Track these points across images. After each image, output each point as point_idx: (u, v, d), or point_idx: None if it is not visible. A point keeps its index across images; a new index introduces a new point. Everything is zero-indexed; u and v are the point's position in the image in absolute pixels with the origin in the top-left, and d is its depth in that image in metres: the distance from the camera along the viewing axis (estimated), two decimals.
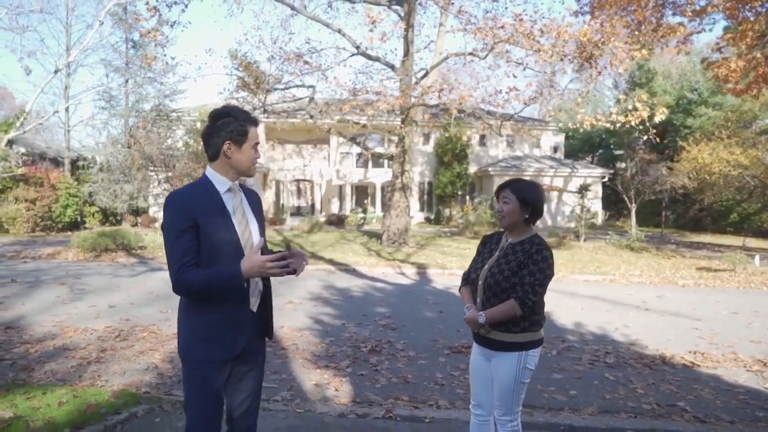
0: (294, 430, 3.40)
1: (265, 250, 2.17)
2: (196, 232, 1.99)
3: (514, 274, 2.37)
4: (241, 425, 2.20)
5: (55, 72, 22.07)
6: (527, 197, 2.43)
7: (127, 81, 24.80)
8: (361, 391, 4.31)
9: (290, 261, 2.02)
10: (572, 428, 3.66)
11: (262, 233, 2.24)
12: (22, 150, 23.79)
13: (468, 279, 2.64)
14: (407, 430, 3.49)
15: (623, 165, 21.81)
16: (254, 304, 2.14)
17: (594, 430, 3.65)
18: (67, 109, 25.41)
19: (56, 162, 26.29)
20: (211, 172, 2.13)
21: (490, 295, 2.43)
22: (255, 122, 2.14)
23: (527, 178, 20.45)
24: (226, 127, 2.06)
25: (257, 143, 2.15)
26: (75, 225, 21.71)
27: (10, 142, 21.67)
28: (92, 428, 3.15)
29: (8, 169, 20.73)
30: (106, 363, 4.86)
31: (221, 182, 2.11)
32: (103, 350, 5.23)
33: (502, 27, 11.64)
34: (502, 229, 2.61)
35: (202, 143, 2.20)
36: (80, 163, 24.39)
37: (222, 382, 2.08)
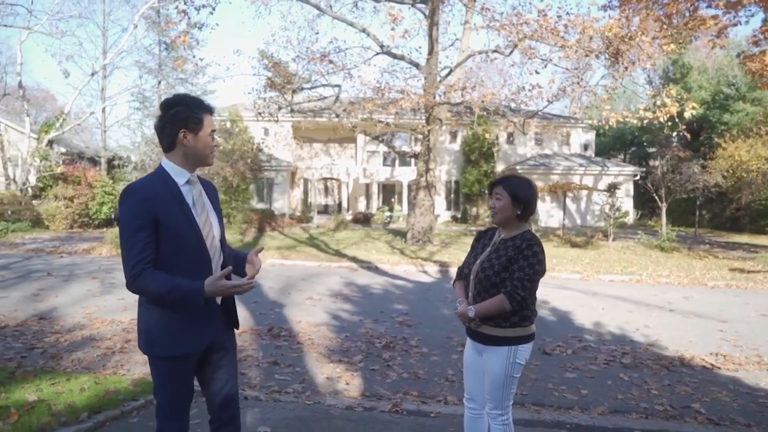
0: (300, 420, 3.50)
1: (223, 244, 2.17)
2: (155, 227, 1.92)
3: (504, 269, 2.40)
4: (223, 413, 2.19)
5: (92, 74, 22.90)
6: (519, 194, 2.45)
7: (159, 82, 25.45)
8: (371, 386, 4.38)
9: (253, 275, 2.07)
10: (579, 427, 3.65)
11: (221, 226, 2.21)
12: (62, 150, 24.71)
13: (461, 273, 2.67)
14: (411, 423, 3.54)
15: (656, 163, 21.26)
16: (219, 296, 2.08)
17: (601, 429, 3.63)
18: (103, 110, 26.31)
19: (93, 161, 27.22)
20: (167, 164, 2.05)
21: (480, 290, 2.47)
22: (209, 109, 2.09)
23: (556, 177, 20.16)
24: (180, 116, 2.00)
25: (213, 130, 2.09)
26: (110, 222, 22.44)
27: (51, 143, 22.60)
28: (109, 413, 3.31)
29: (49, 168, 21.63)
30: (129, 353, 5.06)
31: (179, 174, 2.05)
32: (127, 341, 5.44)
33: (526, 23, 11.52)
34: (495, 225, 2.64)
35: (157, 136, 2.09)
36: (116, 162, 25.20)
37: (189, 374, 2.07)
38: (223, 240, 2.18)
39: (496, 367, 2.45)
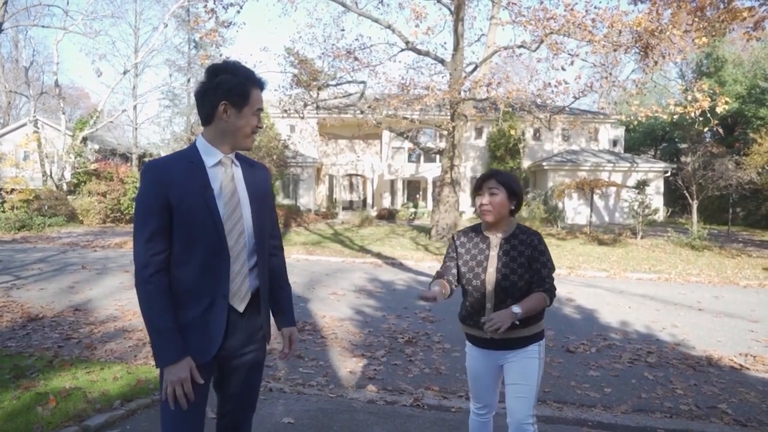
0: (323, 412, 3.58)
1: (263, 244, 1.89)
2: (168, 215, 1.68)
3: (527, 271, 2.29)
4: (230, 424, 1.98)
5: (124, 73, 23.47)
6: (515, 187, 2.34)
7: (189, 80, 26.02)
8: (393, 380, 4.44)
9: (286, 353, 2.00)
10: (601, 425, 3.63)
11: (268, 218, 1.91)
12: (96, 147, 25.47)
13: (440, 276, 2.43)
14: (432, 418, 3.59)
15: (687, 159, 20.73)
16: (240, 303, 1.81)
17: (624, 428, 3.61)
18: (135, 108, 26.96)
19: (125, 158, 27.97)
20: (201, 142, 1.80)
21: (503, 298, 2.29)
22: (260, 84, 1.81)
23: (584, 173, 19.83)
24: (225, 85, 1.73)
25: (260, 109, 1.82)
26: None
27: (85, 139, 23.29)
28: (140, 401, 3.44)
29: (83, 164, 22.31)
30: None
31: (210, 153, 1.78)
32: None
33: (553, 18, 11.38)
34: (474, 226, 2.47)
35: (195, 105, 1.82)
36: (146, 159, 25.85)
37: (197, 385, 1.72)
38: (261, 237, 1.87)
39: (531, 368, 2.31)
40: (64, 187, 22.31)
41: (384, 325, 6.25)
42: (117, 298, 7.32)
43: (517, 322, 2.20)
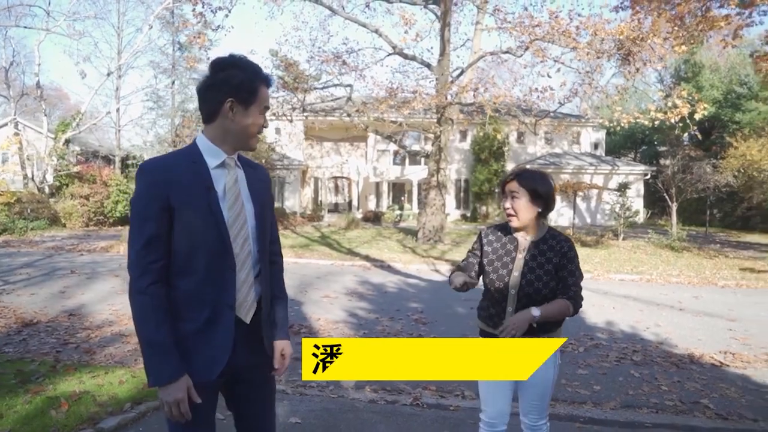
0: (328, 412, 3.70)
1: (264, 250, 1.77)
2: (167, 219, 1.58)
3: (552, 278, 2.19)
4: None
5: (108, 75, 23.25)
6: (539, 188, 2.18)
7: (173, 82, 25.83)
8: (391, 381, 4.57)
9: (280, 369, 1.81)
10: (592, 420, 3.82)
11: (268, 220, 1.81)
12: (77, 149, 25.17)
13: (461, 269, 2.39)
14: (433, 416, 3.74)
15: (667, 162, 21.30)
16: (246, 314, 1.70)
17: (613, 423, 3.80)
18: (117, 110, 26.69)
19: (107, 160, 27.66)
20: (202, 141, 1.68)
21: (526, 303, 2.19)
22: (267, 80, 1.70)
23: (566, 176, 20.18)
24: (232, 80, 1.62)
25: (267, 107, 1.72)
26: (125, 220, 22.82)
27: (67, 142, 23.01)
28: (149, 404, 3.53)
29: (65, 166, 22.04)
30: None
31: (213, 153, 1.66)
32: None
33: (538, 25, 11.66)
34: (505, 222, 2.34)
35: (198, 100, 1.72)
36: (129, 161, 25.60)
37: (203, 405, 1.63)
38: (264, 243, 1.77)
39: (547, 375, 2.23)
40: (46, 189, 22.02)
41: (378, 327, 6.39)
42: (111, 303, 7.34)
43: (535, 325, 2.11)
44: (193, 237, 1.58)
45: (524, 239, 2.27)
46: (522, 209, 2.18)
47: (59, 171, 21.98)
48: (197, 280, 1.60)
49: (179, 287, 1.62)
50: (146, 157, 24.61)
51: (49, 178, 22.30)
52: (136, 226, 1.58)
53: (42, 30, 22.39)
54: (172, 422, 1.63)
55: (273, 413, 1.88)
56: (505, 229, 2.34)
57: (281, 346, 1.83)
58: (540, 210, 2.21)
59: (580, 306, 2.20)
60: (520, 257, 2.25)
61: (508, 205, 2.23)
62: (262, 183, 1.81)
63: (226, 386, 1.76)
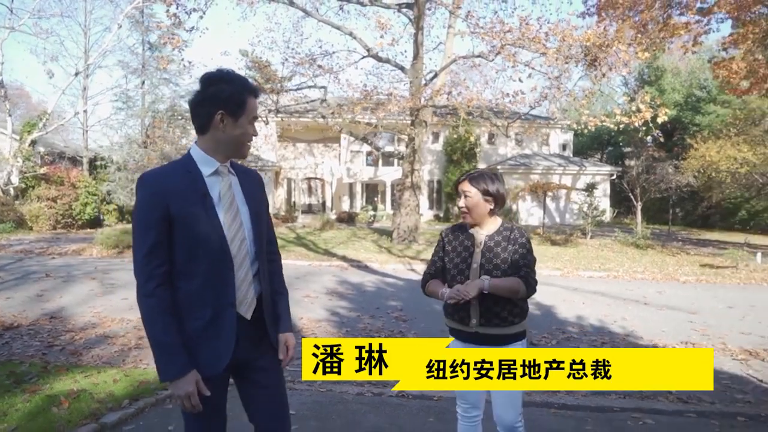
0: (319, 404, 3.89)
1: (262, 251, 1.90)
2: (168, 226, 1.70)
3: (510, 267, 2.31)
4: None
5: (76, 74, 22.76)
6: (489, 187, 2.34)
7: (143, 82, 25.40)
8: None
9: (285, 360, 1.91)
10: (565, 406, 4.11)
11: (264, 221, 1.92)
12: (42, 150, 24.51)
13: (433, 276, 2.50)
14: (418, 405, 3.96)
15: (632, 163, 22.11)
16: (247, 311, 1.83)
17: (585, 407, 4.09)
18: (85, 111, 26.10)
19: (74, 161, 27.00)
20: (196, 151, 1.80)
21: (488, 294, 2.26)
22: (254, 92, 1.81)
23: (536, 176, 20.63)
24: (221, 94, 1.73)
25: (255, 117, 1.84)
26: (95, 223, 22.38)
27: (33, 143, 22.43)
28: (146, 400, 3.65)
29: (32, 168, 21.47)
30: (145, 349, 5.36)
31: (207, 162, 1.78)
32: (140, 338, 5.73)
33: (509, 31, 12.05)
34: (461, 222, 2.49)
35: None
36: (98, 162, 25.05)
37: (213, 398, 1.77)
38: (261, 243, 1.89)
39: None
40: (11, 192, 21.42)
41: (360, 325, 6.59)
42: (91, 306, 7.33)
43: (485, 292, 2.21)
44: (193, 241, 1.70)
45: (480, 234, 2.41)
46: (474, 207, 2.35)
47: (25, 173, 21.41)
48: (198, 281, 1.72)
49: (182, 289, 1.74)
50: (115, 159, 24.25)
51: (14, 180, 21.69)
52: (139, 235, 1.70)
53: (6, 29, 21.78)
54: (186, 413, 1.78)
55: (287, 406, 1.99)
56: (462, 228, 2.49)
57: (285, 338, 1.95)
58: (492, 207, 2.37)
59: (534, 289, 2.33)
60: (478, 251, 2.38)
61: (461, 203, 2.39)
62: (256, 187, 1.94)
63: (236, 378, 1.90)
